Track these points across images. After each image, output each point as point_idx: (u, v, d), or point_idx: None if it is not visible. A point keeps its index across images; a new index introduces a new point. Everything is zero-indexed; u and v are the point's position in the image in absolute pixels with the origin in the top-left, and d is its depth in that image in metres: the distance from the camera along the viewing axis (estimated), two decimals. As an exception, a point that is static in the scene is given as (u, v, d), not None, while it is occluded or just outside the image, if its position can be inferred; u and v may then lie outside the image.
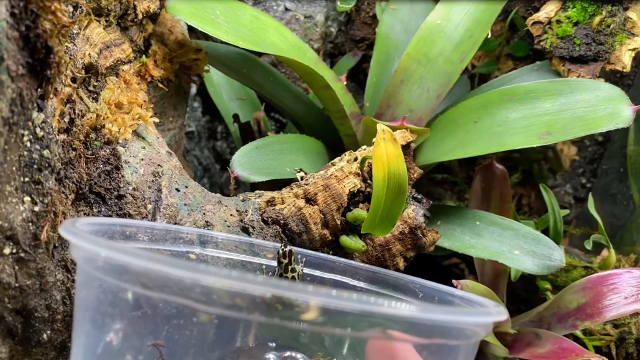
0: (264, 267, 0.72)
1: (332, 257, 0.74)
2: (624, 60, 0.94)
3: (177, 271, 0.41)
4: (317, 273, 0.72)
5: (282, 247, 0.70)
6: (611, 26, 0.94)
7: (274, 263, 0.71)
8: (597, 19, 0.95)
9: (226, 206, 0.78)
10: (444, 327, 0.46)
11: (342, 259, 0.74)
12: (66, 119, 0.64)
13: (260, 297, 0.41)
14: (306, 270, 0.72)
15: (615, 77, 1.11)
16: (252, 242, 0.73)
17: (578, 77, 0.94)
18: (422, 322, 0.44)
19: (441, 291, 0.64)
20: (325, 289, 0.41)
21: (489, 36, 1.14)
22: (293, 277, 0.71)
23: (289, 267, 0.70)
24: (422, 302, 0.66)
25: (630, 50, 0.94)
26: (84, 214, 0.68)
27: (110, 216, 0.69)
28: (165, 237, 0.67)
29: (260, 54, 0.99)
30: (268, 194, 0.80)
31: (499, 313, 0.47)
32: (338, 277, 0.72)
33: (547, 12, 0.99)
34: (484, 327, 0.49)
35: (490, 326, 0.50)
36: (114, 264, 0.46)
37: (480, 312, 0.51)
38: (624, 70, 0.94)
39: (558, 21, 0.97)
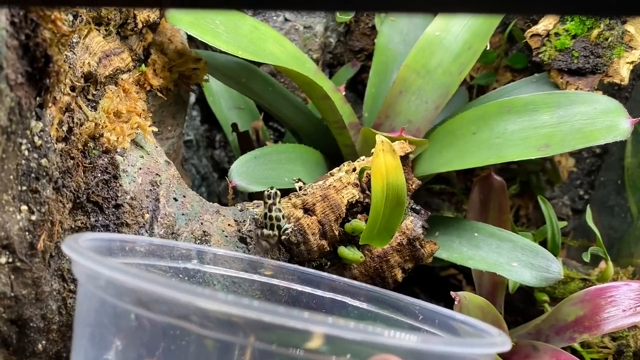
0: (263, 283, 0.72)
1: (332, 275, 0.73)
2: (622, 73, 0.94)
3: (181, 295, 0.41)
4: (318, 292, 0.71)
5: (269, 189, 0.73)
6: (609, 39, 0.95)
7: (273, 280, 0.71)
8: (595, 32, 0.95)
9: (224, 216, 0.78)
10: (446, 356, 0.46)
11: (343, 278, 0.72)
12: (64, 128, 0.64)
13: (256, 322, 0.41)
14: (305, 289, 0.71)
15: (613, 90, 1.12)
16: (251, 258, 0.72)
17: (576, 89, 0.95)
18: (423, 352, 0.44)
19: (442, 314, 0.63)
20: (322, 317, 0.40)
21: (488, 48, 1.14)
22: (277, 217, 0.73)
23: (274, 207, 0.73)
24: (422, 324, 0.65)
25: (628, 63, 0.95)
26: (81, 223, 0.68)
27: (108, 225, 0.69)
28: (164, 252, 0.67)
29: (259, 64, 0.99)
30: (266, 204, 0.80)
31: (503, 343, 0.47)
32: (338, 297, 0.71)
33: (545, 24, 0.99)
34: (488, 357, 0.49)
35: (494, 356, 0.49)
36: (116, 284, 0.46)
37: (484, 343, 0.50)
38: (622, 83, 0.95)
39: (556, 34, 0.98)
